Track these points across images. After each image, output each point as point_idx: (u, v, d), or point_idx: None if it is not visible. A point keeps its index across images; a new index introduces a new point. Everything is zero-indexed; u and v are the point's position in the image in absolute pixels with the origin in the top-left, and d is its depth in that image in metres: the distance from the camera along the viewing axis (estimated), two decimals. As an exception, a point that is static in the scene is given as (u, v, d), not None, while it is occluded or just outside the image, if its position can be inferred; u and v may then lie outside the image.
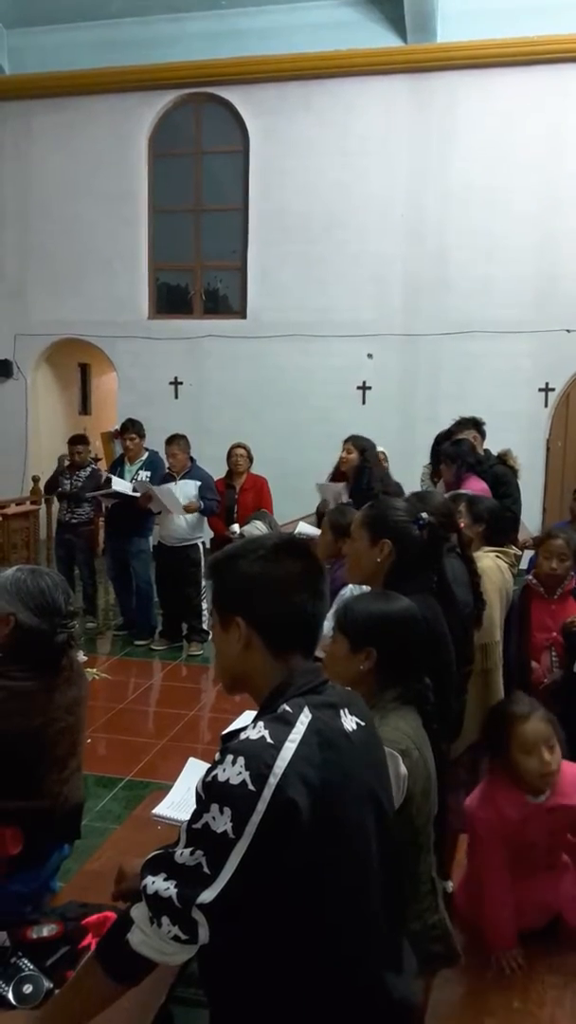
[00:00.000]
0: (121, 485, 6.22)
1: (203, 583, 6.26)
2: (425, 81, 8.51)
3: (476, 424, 5.46)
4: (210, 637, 6.03)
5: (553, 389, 8.56)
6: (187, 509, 6.12)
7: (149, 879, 1.19)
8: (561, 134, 8.25)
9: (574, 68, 8.13)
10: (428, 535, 2.27)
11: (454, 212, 8.55)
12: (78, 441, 7.04)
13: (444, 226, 8.59)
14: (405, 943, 1.40)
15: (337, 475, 5.40)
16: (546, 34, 7.98)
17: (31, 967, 1.70)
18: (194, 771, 2.46)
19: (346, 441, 5.41)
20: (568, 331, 8.40)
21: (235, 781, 1.14)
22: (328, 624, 3.07)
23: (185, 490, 6.22)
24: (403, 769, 1.62)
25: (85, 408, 11.27)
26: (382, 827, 1.32)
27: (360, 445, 5.30)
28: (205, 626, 6.32)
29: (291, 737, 1.18)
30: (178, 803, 2.37)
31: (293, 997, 1.21)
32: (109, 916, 1.89)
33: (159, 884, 1.17)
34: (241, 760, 1.15)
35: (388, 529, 2.27)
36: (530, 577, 3.56)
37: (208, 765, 1.23)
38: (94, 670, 5.60)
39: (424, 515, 2.29)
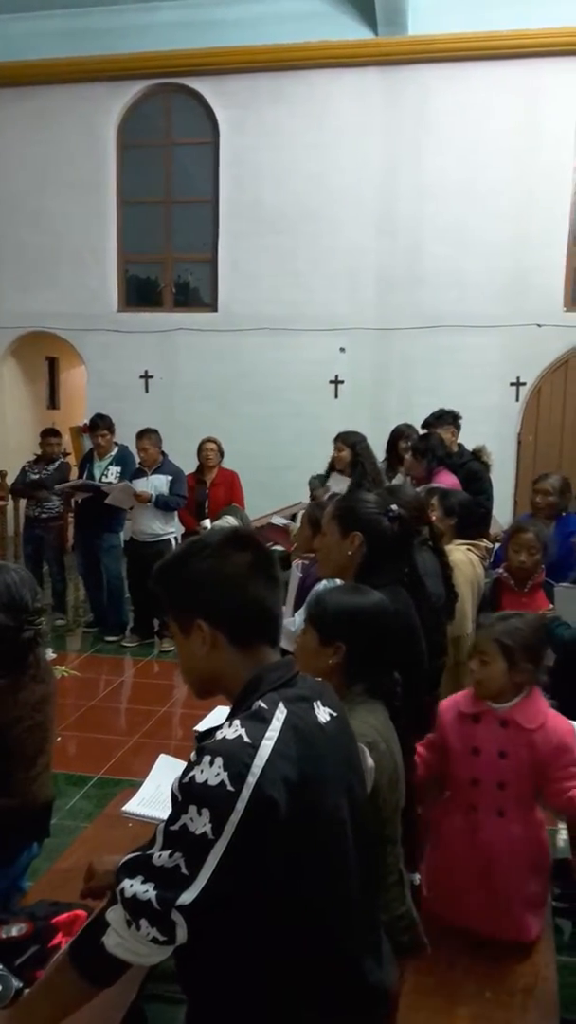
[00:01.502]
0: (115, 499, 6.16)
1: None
2: (397, 74, 8.50)
3: (454, 418, 5.50)
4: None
5: (524, 383, 8.63)
6: (138, 498, 6.07)
7: (126, 882, 1.17)
8: (533, 129, 8.29)
9: (545, 63, 8.16)
10: (399, 527, 2.27)
11: (427, 206, 8.56)
12: (50, 433, 7.00)
13: (417, 220, 8.60)
14: (381, 929, 1.41)
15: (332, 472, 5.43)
16: (517, 28, 8.00)
17: (0, 967, 1.68)
18: (165, 767, 2.45)
19: (336, 440, 5.42)
20: (539, 326, 8.46)
21: (213, 782, 1.13)
22: (301, 617, 3.07)
23: (156, 485, 6.18)
24: (370, 761, 1.62)
25: (53, 402, 11.13)
26: (357, 816, 1.32)
27: (350, 441, 5.32)
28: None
29: (268, 735, 1.17)
30: (148, 800, 2.35)
31: (270, 985, 1.21)
32: (79, 915, 1.87)
33: (137, 887, 1.16)
34: (219, 760, 1.14)
35: (358, 522, 2.27)
36: (501, 570, 3.59)
37: (180, 761, 1.22)
38: (63, 667, 5.55)
39: (394, 507, 2.29)
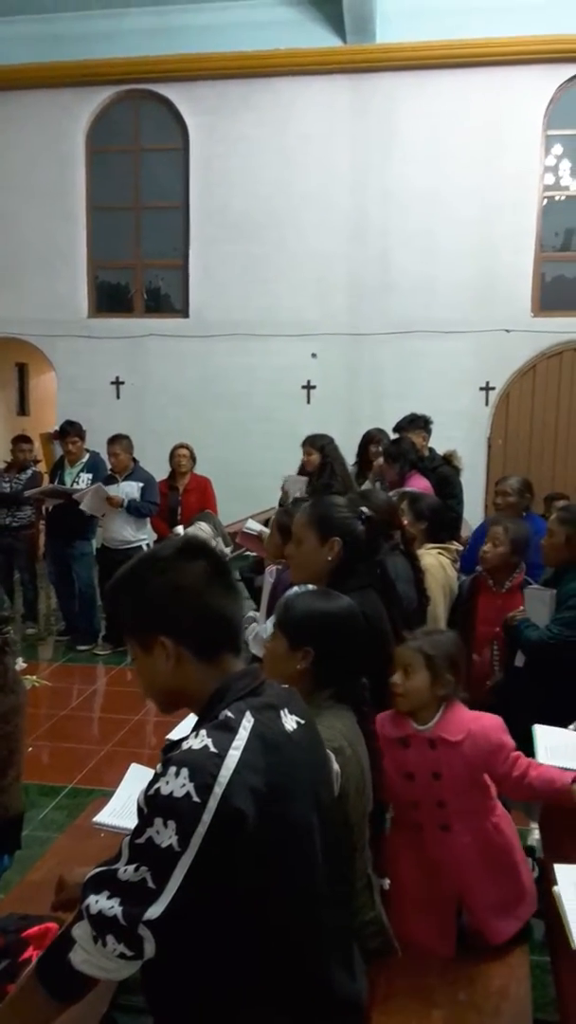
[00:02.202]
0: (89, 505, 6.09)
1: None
2: (365, 81, 8.56)
3: (425, 422, 5.54)
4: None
5: (493, 388, 8.71)
6: (110, 502, 6.03)
7: (92, 898, 1.15)
8: (500, 136, 8.38)
9: (511, 71, 8.26)
10: (369, 530, 2.29)
11: (395, 212, 8.62)
12: (22, 440, 6.94)
13: (385, 226, 8.66)
14: (352, 938, 1.40)
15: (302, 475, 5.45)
16: (484, 37, 8.10)
17: (-32, 984, 1.65)
18: (136, 777, 2.42)
19: (304, 444, 5.44)
20: (507, 331, 8.55)
21: (179, 794, 1.11)
22: (272, 623, 3.06)
23: (127, 491, 6.14)
24: (336, 767, 1.62)
25: (23, 409, 11.04)
26: (325, 824, 1.31)
27: (318, 444, 5.34)
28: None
29: (235, 744, 1.16)
30: (119, 810, 2.33)
31: (238, 997, 1.19)
32: (50, 927, 1.84)
33: (103, 903, 1.14)
34: (185, 771, 1.13)
35: (335, 527, 2.29)
36: (480, 568, 3.61)
37: (151, 771, 1.21)
38: (34, 677, 5.47)
39: (364, 509, 2.32)
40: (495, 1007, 1.97)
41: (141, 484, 6.20)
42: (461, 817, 2.20)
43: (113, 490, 6.13)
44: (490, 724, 2.25)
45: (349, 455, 5.72)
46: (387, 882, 1.85)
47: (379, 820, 1.83)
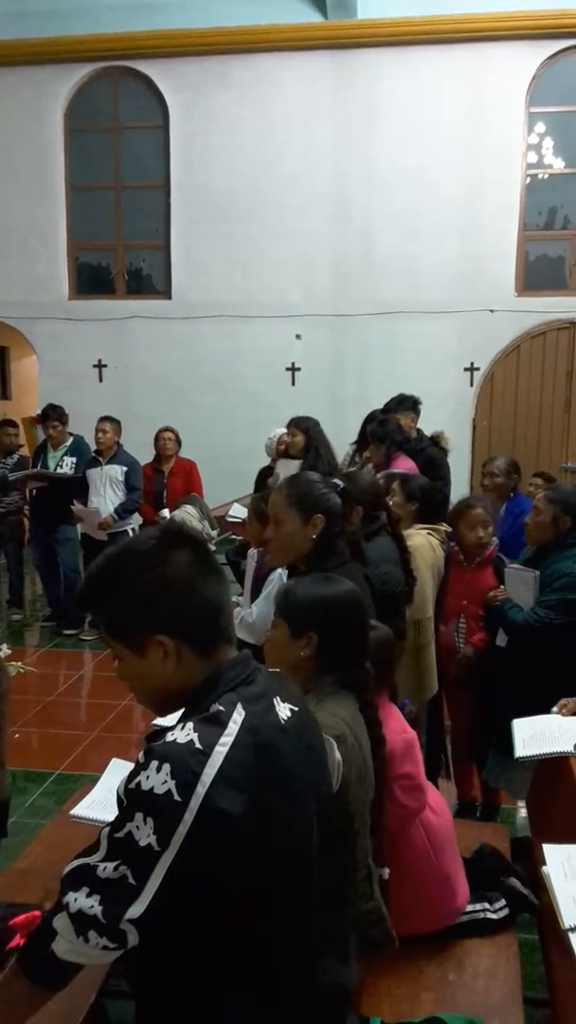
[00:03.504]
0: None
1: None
2: (346, 58, 8.46)
3: (414, 403, 5.51)
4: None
5: (478, 369, 8.69)
6: (101, 527, 5.98)
7: (71, 896, 1.12)
8: (482, 113, 8.32)
9: (492, 47, 8.19)
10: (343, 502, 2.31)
11: (377, 191, 8.55)
12: (8, 424, 6.89)
13: (368, 206, 8.59)
14: (349, 928, 1.38)
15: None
16: (465, 12, 8.02)
17: (-45, 974, 1.63)
18: (117, 771, 2.38)
19: (288, 425, 5.40)
20: (491, 311, 8.52)
21: (160, 791, 1.07)
22: (258, 608, 3.04)
23: (111, 474, 6.10)
24: (337, 755, 1.59)
25: (5, 393, 10.93)
26: (323, 813, 1.28)
27: (303, 426, 5.31)
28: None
29: (222, 740, 1.12)
30: (98, 802, 2.29)
31: (221, 985, 1.17)
32: (37, 916, 1.83)
33: (82, 902, 1.11)
34: (167, 767, 1.08)
35: (317, 504, 2.28)
36: (453, 544, 3.59)
37: (132, 765, 1.17)
38: (19, 663, 5.45)
39: (337, 482, 2.32)
40: (484, 987, 1.98)
41: (125, 468, 6.15)
42: None
43: (97, 473, 6.09)
44: (399, 736, 2.12)
45: (334, 436, 5.68)
46: (387, 872, 1.82)
47: (379, 809, 1.80)
